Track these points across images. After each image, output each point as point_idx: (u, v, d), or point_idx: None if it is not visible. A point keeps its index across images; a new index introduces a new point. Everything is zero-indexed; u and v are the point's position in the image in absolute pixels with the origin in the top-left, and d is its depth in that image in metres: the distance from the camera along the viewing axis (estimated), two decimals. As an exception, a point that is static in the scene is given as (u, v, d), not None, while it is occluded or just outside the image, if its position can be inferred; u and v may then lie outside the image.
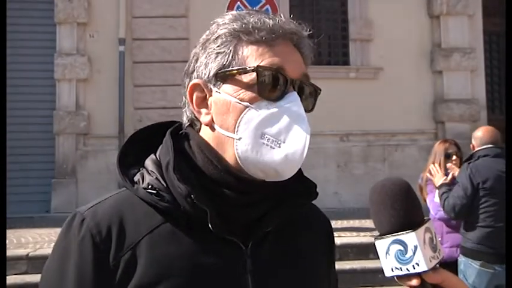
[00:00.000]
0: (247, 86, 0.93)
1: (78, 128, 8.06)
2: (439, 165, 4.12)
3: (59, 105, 8.10)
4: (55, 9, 8.14)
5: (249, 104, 0.92)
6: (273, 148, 0.90)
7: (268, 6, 6.37)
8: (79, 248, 0.89)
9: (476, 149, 3.81)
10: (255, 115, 0.91)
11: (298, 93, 0.94)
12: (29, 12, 8.24)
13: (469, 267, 3.58)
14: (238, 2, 6.32)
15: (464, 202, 3.62)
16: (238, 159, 0.92)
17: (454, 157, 4.14)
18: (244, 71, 0.92)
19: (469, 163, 3.75)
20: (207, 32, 0.99)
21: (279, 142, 0.91)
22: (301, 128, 0.91)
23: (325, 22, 8.78)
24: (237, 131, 0.92)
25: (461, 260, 3.67)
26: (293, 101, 0.92)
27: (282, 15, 0.97)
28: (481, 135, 3.84)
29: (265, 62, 0.92)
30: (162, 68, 8.17)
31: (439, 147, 4.24)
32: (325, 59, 8.81)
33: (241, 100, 0.92)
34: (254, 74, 0.92)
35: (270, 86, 0.92)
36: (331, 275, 1.10)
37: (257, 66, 0.92)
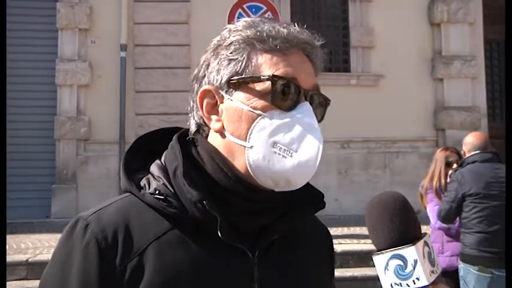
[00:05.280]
0: (260, 95, 0.92)
1: (79, 134, 8.06)
2: (440, 172, 4.12)
3: (59, 111, 8.10)
4: (57, 15, 8.16)
5: (261, 113, 0.91)
6: (285, 157, 0.89)
7: (269, 13, 6.38)
8: (83, 254, 0.87)
9: (467, 155, 3.86)
10: (268, 124, 0.90)
11: (309, 104, 0.94)
12: (31, 18, 8.27)
13: (468, 273, 3.61)
14: (240, 9, 6.31)
15: (448, 208, 3.72)
16: (249, 167, 0.91)
17: (455, 165, 4.14)
18: (259, 80, 0.92)
19: (456, 170, 3.84)
20: (218, 38, 0.98)
21: (291, 151, 0.90)
22: (314, 137, 0.91)
23: (326, 29, 8.79)
24: (249, 139, 0.91)
25: (461, 266, 3.70)
26: (306, 111, 0.92)
27: (296, 25, 0.96)
28: (471, 141, 3.90)
29: (279, 71, 0.92)
30: (163, 74, 8.18)
31: (440, 155, 4.24)
32: (326, 66, 8.76)
33: (254, 108, 0.91)
34: (268, 83, 0.91)
35: (283, 96, 0.91)
36: (332, 284, 1.10)
37: (272, 75, 0.91)
